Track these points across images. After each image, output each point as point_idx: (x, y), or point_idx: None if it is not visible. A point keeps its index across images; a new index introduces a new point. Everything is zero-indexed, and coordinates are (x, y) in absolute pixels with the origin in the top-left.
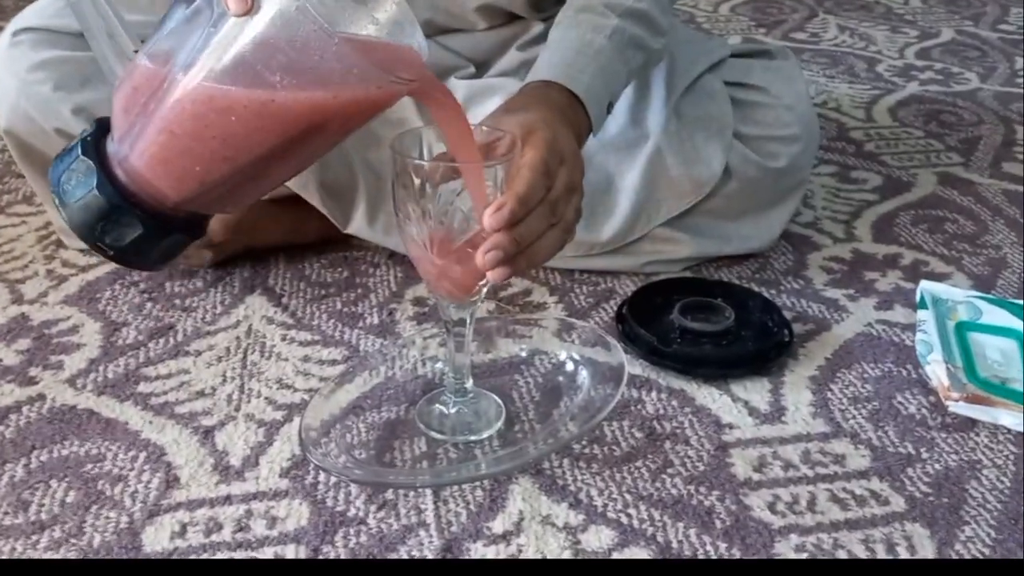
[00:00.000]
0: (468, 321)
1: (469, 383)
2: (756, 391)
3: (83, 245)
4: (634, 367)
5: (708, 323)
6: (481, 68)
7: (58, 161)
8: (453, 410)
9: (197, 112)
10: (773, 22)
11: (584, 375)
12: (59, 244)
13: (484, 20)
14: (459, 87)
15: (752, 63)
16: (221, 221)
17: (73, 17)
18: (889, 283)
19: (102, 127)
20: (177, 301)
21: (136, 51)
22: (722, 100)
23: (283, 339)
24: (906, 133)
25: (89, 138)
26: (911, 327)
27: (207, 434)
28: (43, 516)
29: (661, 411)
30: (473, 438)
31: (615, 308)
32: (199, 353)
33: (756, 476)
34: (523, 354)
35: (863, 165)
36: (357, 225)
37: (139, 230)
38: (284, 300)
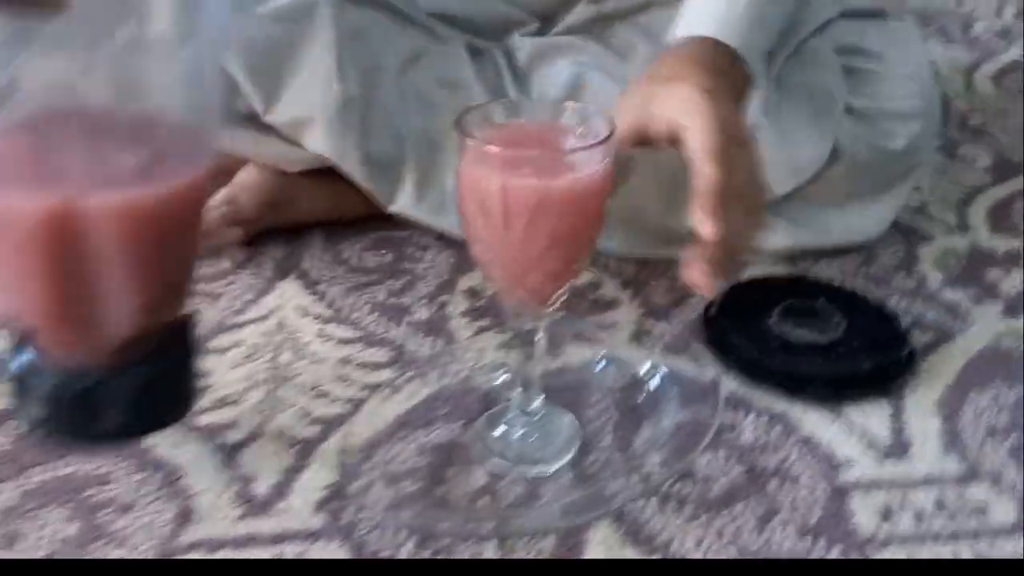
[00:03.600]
0: (540, 330)
1: (539, 400)
2: (875, 416)
3: None
4: (725, 382)
5: (815, 332)
6: (547, 24)
7: None
8: (519, 432)
9: None
10: None
11: (670, 393)
12: None
13: None
14: (523, 46)
15: (865, 25)
16: (252, 196)
17: None
18: (1014, 285)
19: None
20: (202, 284)
21: None
22: (831, 69)
23: (319, 335)
24: (1014, 105)
25: None
26: None
27: (231, 453)
28: (39, 553)
29: (762, 440)
30: (542, 470)
31: (699, 307)
32: (224, 351)
33: (884, 529)
34: (598, 362)
35: (970, 140)
36: (403, 203)
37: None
38: (320, 287)
